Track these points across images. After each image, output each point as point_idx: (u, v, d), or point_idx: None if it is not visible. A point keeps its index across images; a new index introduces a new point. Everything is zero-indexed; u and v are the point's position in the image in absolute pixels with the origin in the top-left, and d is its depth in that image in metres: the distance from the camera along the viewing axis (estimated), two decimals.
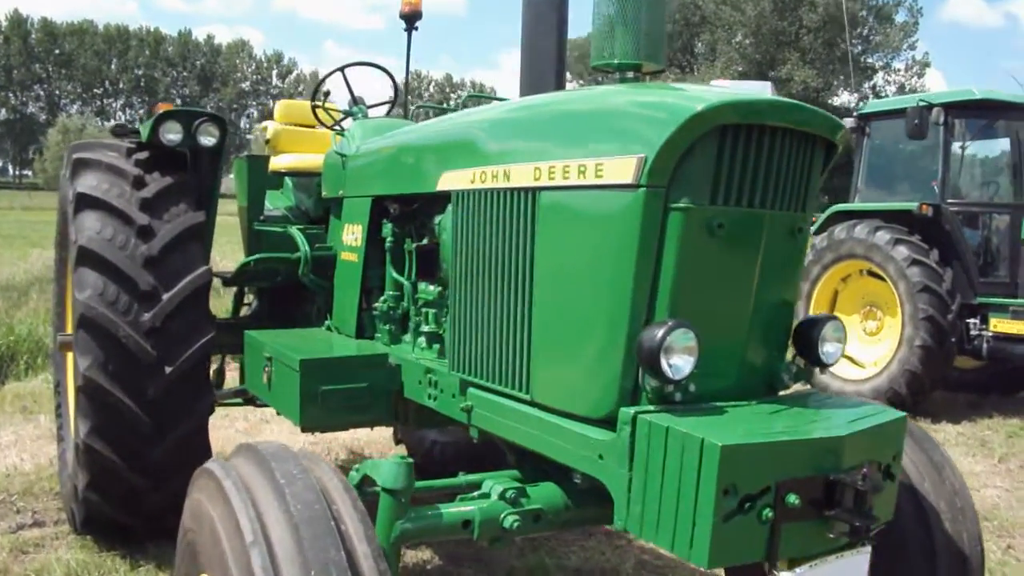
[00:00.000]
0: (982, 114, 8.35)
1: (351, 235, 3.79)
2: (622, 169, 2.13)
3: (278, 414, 3.58)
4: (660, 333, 2.05)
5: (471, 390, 2.77)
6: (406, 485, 2.34)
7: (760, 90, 14.34)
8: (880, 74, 43.96)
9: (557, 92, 2.82)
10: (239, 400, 4.41)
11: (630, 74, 2.70)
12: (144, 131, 4.09)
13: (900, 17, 42.50)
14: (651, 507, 2.03)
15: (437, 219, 3.15)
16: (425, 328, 3.23)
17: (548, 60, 3.25)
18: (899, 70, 43.83)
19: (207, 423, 3.91)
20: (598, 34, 2.72)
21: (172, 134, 4.03)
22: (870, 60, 43.55)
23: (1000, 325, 7.74)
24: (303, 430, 3.24)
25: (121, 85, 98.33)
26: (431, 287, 3.37)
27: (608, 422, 2.22)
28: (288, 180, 4.95)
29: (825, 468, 2.02)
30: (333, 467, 2.16)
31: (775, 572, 2.00)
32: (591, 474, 2.23)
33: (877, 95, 44.36)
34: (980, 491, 5.76)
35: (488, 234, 2.66)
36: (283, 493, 1.87)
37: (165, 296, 3.75)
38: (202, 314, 3.86)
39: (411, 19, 5.31)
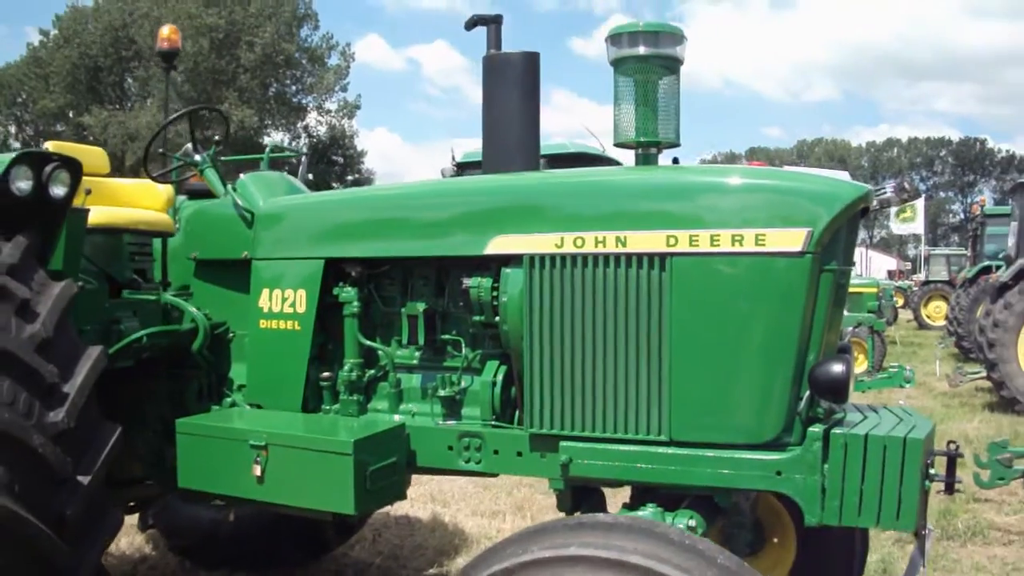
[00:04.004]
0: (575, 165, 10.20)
1: (281, 301, 3.61)
2: (790, 239, 2.78)
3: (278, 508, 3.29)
4: (843, 367, 2.77)
5: (565, 444, 3.07)
6: None
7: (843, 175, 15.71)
8: (313, 114, 47.24)
9: (646, 168, 3.24)
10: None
11: (653, 150, 3.32)
12: None
13: (333, 60, 46.30)
14: (851, 500, 2.74)
15: (469, 282, 3.30)
16: (443, 392, 3.36)
17: (518, 133, 3.62)
18: (331, 111, 47.61)
19: None
20: (622, 113, 3.28)
21: (23, 182, 3.35)
22: (304, 100, 46.56)
23: None
24: (353, 518, 3.11)
25: None
26: (415, 352, 3.50)
27: (766, 446, 2.85)
28: None
29: (932, 448, 2.95)
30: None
31: (924, 530, 2.88)
32: (768, 489, 2.85)
33: (309, 135, 47.67)
34: None
35: (594, 296, 3.02)
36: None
37: (69, 388, 3.17)
38: (99, 407, 3.32)
39: (169, 57, 5.02)
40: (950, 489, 3.03)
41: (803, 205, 2.84)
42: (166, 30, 4.98)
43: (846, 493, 2.76)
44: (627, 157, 3.39)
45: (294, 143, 46.58)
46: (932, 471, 2.87)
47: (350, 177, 47.98)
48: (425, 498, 6.81)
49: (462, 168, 11.16)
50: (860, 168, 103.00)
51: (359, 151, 50.30)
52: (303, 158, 5.41)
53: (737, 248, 2.85)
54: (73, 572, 3.13)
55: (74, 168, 3.53)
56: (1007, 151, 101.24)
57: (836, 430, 2.81)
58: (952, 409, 12.30)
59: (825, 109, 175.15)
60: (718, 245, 2.87)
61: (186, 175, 4.31)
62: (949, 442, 3.08)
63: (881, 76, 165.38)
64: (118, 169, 40.01)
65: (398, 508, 6.45)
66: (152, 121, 37.85)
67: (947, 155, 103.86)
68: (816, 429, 2.81)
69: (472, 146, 10.54)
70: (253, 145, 40.70)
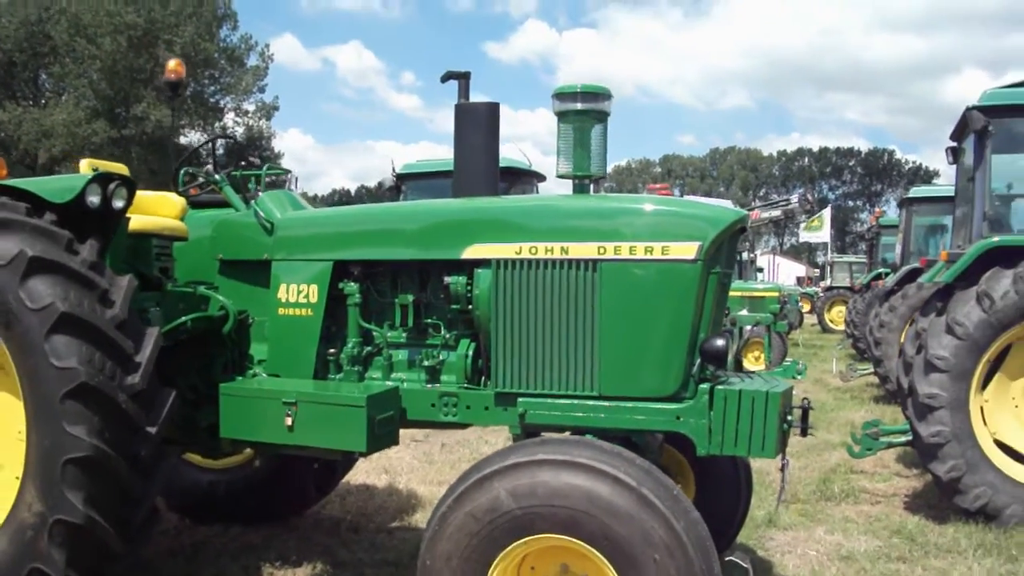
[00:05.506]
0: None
1: (297, 293, 4.63)
2: (687, 250, 3.94)
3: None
4: (723, 342, 3.95)
5: (522, 399, 4.17)
6: None
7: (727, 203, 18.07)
8: (230, 115, 47.19)
9: (581, 195, 4.37)
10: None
11: (586, 181, 4.46)
12: (65, 193, 4.24)
13: (251, 61, 46.39)
14: (729, 435, 3.90)
15: (449, 279, 4.35)
16: (427, 363, 4.43)
17: (483, 166, 4.71)
18: (248, 112, 47.66)
19: None
20: (563, 152, 4.40)
21: (94, 196, 4.30)
22: (222, 101, 46.54)
23: None
24: (367, 454, 4.17)
25: None
26: (403, 333, 4.56)
27: (669, 399, 4.00)
28: None
29: (790, 403, 4.16)
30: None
31: (785, 458, 4.08)
32: (669, 429, 4.00)
33: (227, 136, 47.49)
34: None
35: (544, 290, 4.12)
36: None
37: (141, 358, 4.14)
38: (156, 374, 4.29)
39: (175, 86, 5.92)
40: (804, 432, 4.24)
41: (696, 225, 4.00)
42: (172, 63, 5.87)
43: (726, 431, 3.93)
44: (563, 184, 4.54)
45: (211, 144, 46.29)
46: (790, 418, 4.08)
47: (268, 179, 47.96)
48: (379, 471, 7.84)
49: (402, 179, 12.11)
50: (772, 177, 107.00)
51: (276, 152, 50.48)
52: (291, 175, 6.40)
53: (649, 256, 4.00)
54: (141, 501, 4.12)
55: (130, 185, 4.50)
56: (914, 162, 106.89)
57: (719, 387, 3.98)
58: (843, 401, 13.86)
59: (738, 117, 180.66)
60: (635, 254, 4.01)
61: (201, 192, 5.27)
62: (804, 398, 4.31)
63: (793, 85, 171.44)
64: (30, 167, 39.10)
65: (357, 478, 7.48)
66: (68, 119, 37.66)
67: (856, 165, 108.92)
68: (704, 386, 3.98)
69: (394, 151, 11.43)
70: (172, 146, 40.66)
